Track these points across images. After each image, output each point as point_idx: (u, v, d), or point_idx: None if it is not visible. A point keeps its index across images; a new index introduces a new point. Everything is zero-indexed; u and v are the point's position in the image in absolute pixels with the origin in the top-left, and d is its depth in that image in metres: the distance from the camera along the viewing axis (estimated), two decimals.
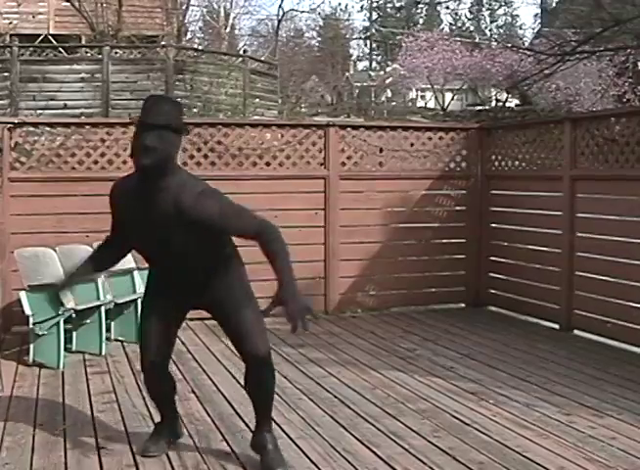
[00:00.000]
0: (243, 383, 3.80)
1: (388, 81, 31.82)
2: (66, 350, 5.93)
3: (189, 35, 25.36)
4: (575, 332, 7.03)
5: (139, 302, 6.47)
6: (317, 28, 46.44)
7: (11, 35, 15.95)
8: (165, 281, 3.62)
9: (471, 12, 53.84)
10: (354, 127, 8.25)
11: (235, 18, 27.93)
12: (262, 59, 20.51)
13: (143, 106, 3.38)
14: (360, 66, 47.57)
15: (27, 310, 5.80)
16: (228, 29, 26.47)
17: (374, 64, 45.90)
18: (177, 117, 3.42)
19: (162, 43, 16.18)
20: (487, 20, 54.04)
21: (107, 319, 6.31)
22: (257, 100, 16.73)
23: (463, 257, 8.44)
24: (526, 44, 29.11)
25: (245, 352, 3.62)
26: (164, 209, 3.33)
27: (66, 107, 13.88)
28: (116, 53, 15.02)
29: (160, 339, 3.67)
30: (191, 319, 5.41)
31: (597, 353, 6.29)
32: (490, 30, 51.34)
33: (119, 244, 3.70)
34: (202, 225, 3.31)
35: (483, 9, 53.73)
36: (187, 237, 3.36)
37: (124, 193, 3.52)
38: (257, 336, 3.59)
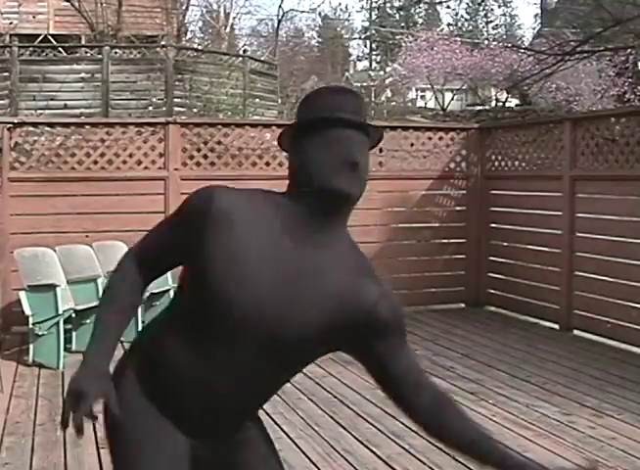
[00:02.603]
0: None
1: (387, 81, 31.80)
2: (65, 350, 5.93)
3: (189, 35, 25.34)
4: (575, 332, 7.03)
5: None
6: (317, 28, 46.49)
7: (11, 35, 15.93)
8: (192, 388, 1.82)
9: (468, 13, 53.85)
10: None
11: (235, 18, 27.92)
12: (262, 59, 20.51)
13: (324, 95, 1.87)
14: (360, 66, 47.58)
15: (27, 310, 5.80)
16: (228, 29, 26.45)
17: (374, 64, 45.91)
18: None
19: (162, 43, 16.16)
20: (484, 20, 54.02)
21: None
22: (257, 100, 16.72)
23: (463, 257, 8.44)
24: (526, 44, 29.10)
25: None
26: (324, 266, 1.82)
27: (66, 107, 13.87)
28: (116, 53, 15.01)
29: None
30: None
31: (597, 353, 6.29)
32: (487, 31, 51.31)
33: (153, 271, 1.92)
34: (359, 332, 1.86)
35: (480, 9, 53.71)
36: (322, 329, 1.81)
37: (248, 215, 1.78)
38: None
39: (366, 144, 1.85)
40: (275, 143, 8.06)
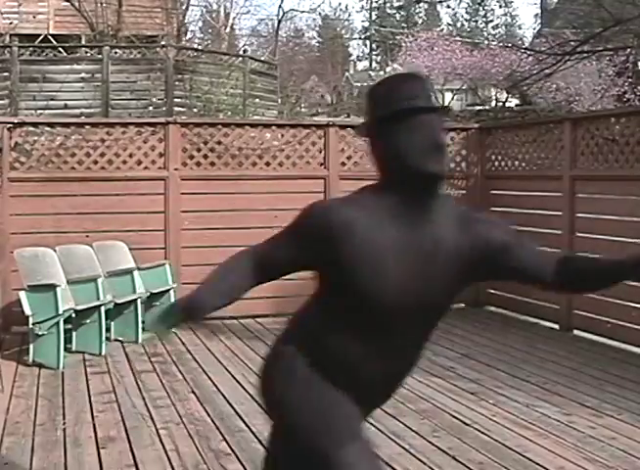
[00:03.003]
0: None
1: None
2: (65, 350, 5.93)
3: (189, 35, 25.31)
4: (575, 332, 7.03)
5: (139, 302, 6.48)
6: (317, 28, 46.49)
7: (11, 35, 15.93)
8: (352, 366, 2.12)
9: (468, 13, 53.83)
10: (354, 127, 8.25)
11: (235, 18, 27.89)
12: (262, 59, 20.49)
13: (397, 84, 2.11)
14: (360, 66, 47.55)
15: (27, 310, 5.80)
16: (228, 29, 26.42)
17: (374, 64, 45.88)
18: None
19: (162, 43, 16.15)
20: (484, 20, 53.96)
21: (106, 319, 6.31)
22: (257, 100, 16.71)
23: None
24: (526, 44, 29.08)
25: None
26: (439, 235, 2.07)
27: (66, 107, 13.86)
28: (116, 53, 15.01)
29: None
30: None
31: (597, 353, 6.29)
32: (487, 31, 51.26)
33: (263, 275, 2.14)
34: (486, 260, 2.12)
35: (480, 9, 53.66)
36: (454, 279, 2.12)
37: (364, 218, 2.02)
38: None
39: (444, 123, 2.09)
40: (275, 143, 8.07)
